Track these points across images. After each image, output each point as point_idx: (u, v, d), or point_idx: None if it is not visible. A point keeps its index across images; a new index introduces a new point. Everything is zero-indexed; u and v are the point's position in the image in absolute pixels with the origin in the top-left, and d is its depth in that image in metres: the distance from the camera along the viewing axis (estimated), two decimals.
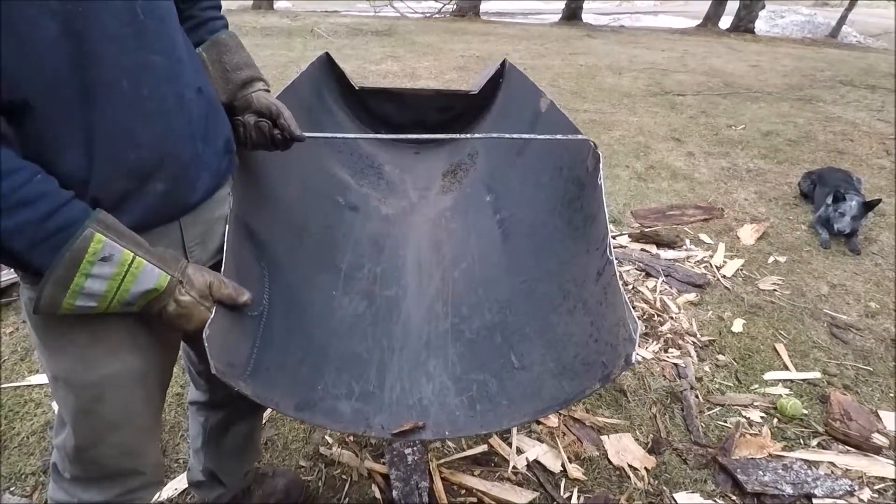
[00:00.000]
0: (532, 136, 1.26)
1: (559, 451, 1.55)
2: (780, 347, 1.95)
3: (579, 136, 1.12)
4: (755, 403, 1.70)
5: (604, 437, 1.60)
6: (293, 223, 1.25)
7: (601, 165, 1.04)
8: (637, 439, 1.60)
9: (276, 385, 0.88)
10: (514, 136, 1.17)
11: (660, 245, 2.61)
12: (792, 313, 2.15)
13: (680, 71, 6.56)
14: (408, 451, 1.55)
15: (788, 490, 1.37)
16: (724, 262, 2.49)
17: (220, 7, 0.97)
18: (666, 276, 2.36)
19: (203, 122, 0.80)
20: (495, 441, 1.58)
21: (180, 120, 0.75)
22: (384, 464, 1.48)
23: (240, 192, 0.98)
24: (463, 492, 1.44)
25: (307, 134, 1.03)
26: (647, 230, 2.72)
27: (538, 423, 1.66)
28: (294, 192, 1.31)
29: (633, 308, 2.15)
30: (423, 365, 1.06)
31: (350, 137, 1.25)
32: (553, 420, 1.66)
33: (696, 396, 1.73)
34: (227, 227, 0.92)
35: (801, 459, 1.49)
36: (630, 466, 1.51)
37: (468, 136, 1.27)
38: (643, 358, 1.91)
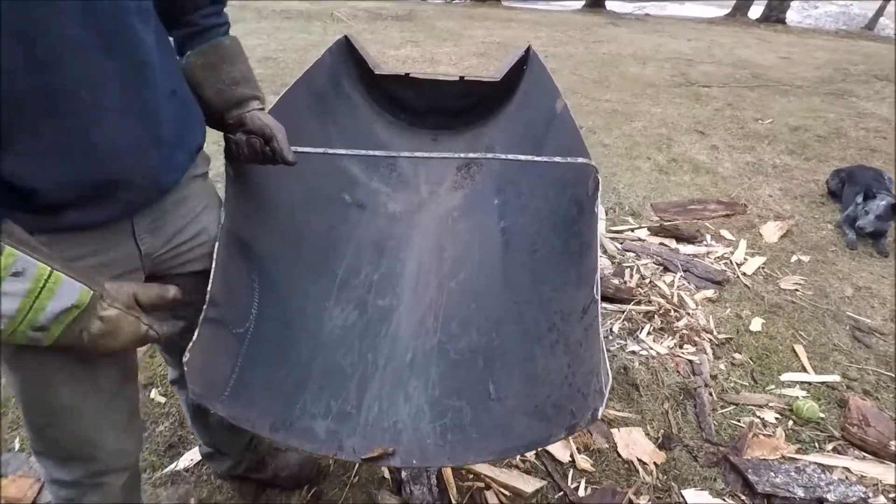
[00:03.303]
0: (532, 157, 1.19)
1: (568, 441, 1.55)
2: (799, 349, 1.91)
3: (580, 160, 1.09)
4: (770, 404, 1.68)
5: (614, 430, 1.59)
6: (293, 227, 1.24)
7: (599, 192, 1.03)
8: (647, 434, 1.59)
9: (255, 404, 0.90)
10: (513, 157, 1.15)
11: (679, 239, 2.57)
12: (813, 314, 2.10)
13: (706, 62, 6.40)
14: None
15: (800, 493, 1.35)
16: (745, 259, 2.44)
17: (221, 12, 0.92)
18: (684, 271, 2.33)
19: (174, 126, 0.76)
20: None
21: (146, 127, 0.71)
22: None
23: (232, 206, 0.98)
24: (471, 476, 1.45)
25: (299, 149, 1.01)
26: (666, 224, 2.67)
27: None
28: (297, 192, 1.29)
29: (649, 302, 2.12)
30: (403, 384, 1.07)
31: (341, 154, 1.22)
32: None
33: (710, 394, 1.71)
34: (217, 243, 0.92)
35: (815, 463, 1.47)
36: (639, 460, 1.50)
37: (462, 155, 1.25)
38: (657, 353, 1.89)
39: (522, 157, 1.15)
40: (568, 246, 1.14)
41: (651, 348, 1.90)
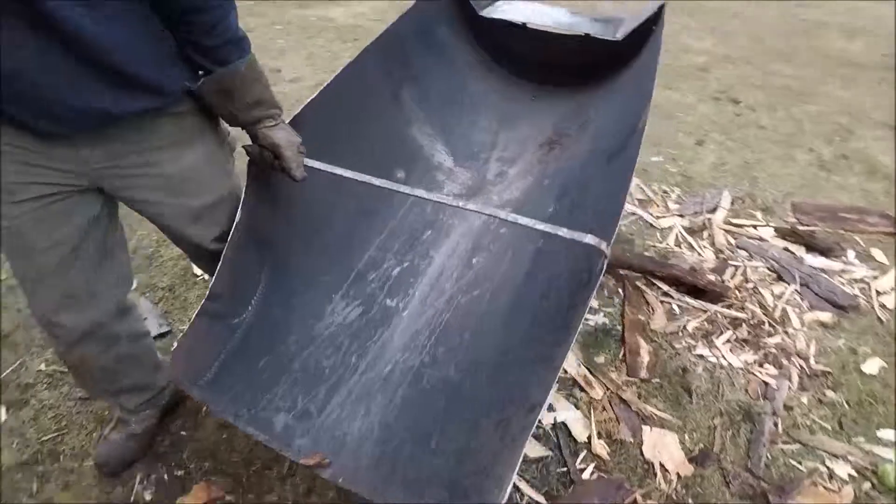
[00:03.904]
0: (533, 223, 1.00)
1: (590, 421, 1.48)
2: None
3: (587, 240, 0.93)
4: (850, 457, 1.41)
5: (645, 428, 1.47)
6: (321, 213, 1.22)
7: (599, 280, 0.90)
8: (682, 443, 1.44)
9: (230, 391, 0.97)
10: (511, 218, 1.00)
11: (810, 249, 2.16)
12: None
13: None
14: None
15: None
16: (893, 290, 1.99)
17: (230, 36, 0.90)
18: (802, 285, 1.97)
19: (115, 67, 0.81)
20: None
21: (37, 56, 0.76)
22: None
23: (251, 203, 1.03)
24: None
25: (311, 162, 1.02)
26: (801, 228, 2.26)
27: (581, 388, 1.58)
28: (339, 173, 1.25)
29: (742, 309, 1.86)
30: (370, 398, 1.08)
31: (352, 177, 1.08)
32: (598, 391, 1.56)
33: (775, 424, 1.48)
34: (230, 238, 0.98)
35: None
36: (661, 465, 1.38)
37: (488, 212, 1.07)
38: (728, 364, 1.67)
39: (522, 221, 0.99)
40: (566, 315, 1.01)
41: (723, 357, 1.68)
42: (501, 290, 1.28)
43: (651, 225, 2.33)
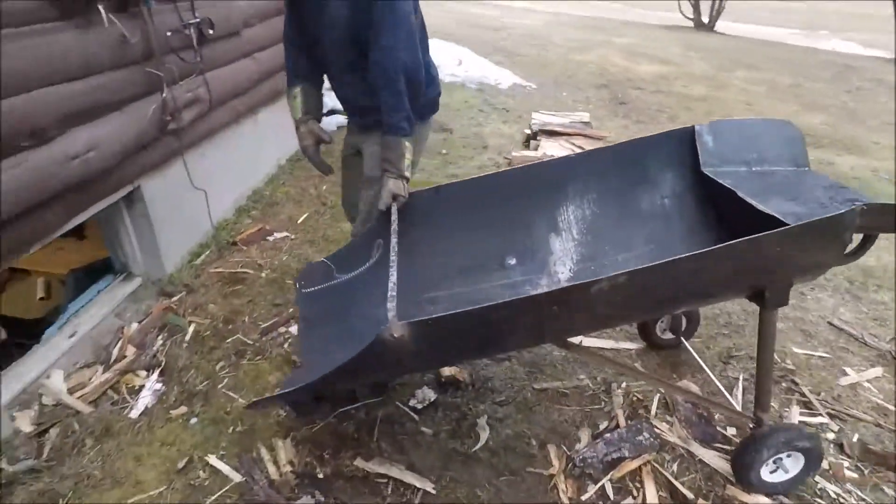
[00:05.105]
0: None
1: None
2: None
3: (390, 311, 1.14)
4: None
5: None
6: (429, 249, 1.59)
7: (374, 344, 1.10)
8: None
9: (307, 305, 1.55)
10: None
11: None
12: None
13: None
14: (640, 448, 1.66)
15: None
16: None
17: (393, 124, 1.48)
18: None
19: (357, 99, 1.64)
20: None
21: (344, 91, 1.66)
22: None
23: (394, 213, 1.47)
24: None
25: (393, 211, 1.49)
26: None
27: None
28: (477, 228, 1.63)
29: None
30: (328, 352, 1.42)
31: (390, 255, 1.34)
32: None
33: None
34: (366, 229, 1.61)
35: None
36: None
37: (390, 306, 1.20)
38: None
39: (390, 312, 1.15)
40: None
41: None
42: None
43: None
